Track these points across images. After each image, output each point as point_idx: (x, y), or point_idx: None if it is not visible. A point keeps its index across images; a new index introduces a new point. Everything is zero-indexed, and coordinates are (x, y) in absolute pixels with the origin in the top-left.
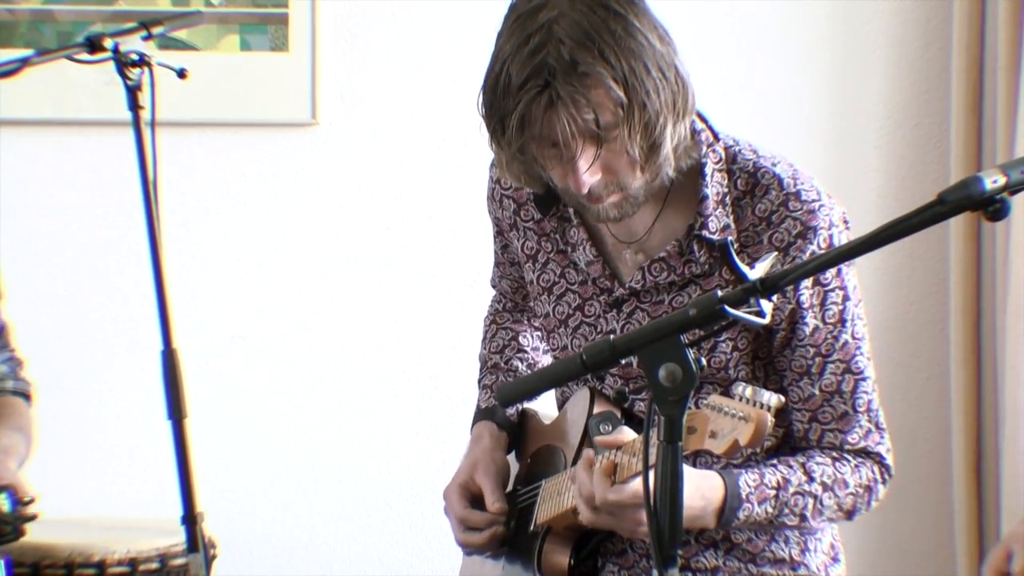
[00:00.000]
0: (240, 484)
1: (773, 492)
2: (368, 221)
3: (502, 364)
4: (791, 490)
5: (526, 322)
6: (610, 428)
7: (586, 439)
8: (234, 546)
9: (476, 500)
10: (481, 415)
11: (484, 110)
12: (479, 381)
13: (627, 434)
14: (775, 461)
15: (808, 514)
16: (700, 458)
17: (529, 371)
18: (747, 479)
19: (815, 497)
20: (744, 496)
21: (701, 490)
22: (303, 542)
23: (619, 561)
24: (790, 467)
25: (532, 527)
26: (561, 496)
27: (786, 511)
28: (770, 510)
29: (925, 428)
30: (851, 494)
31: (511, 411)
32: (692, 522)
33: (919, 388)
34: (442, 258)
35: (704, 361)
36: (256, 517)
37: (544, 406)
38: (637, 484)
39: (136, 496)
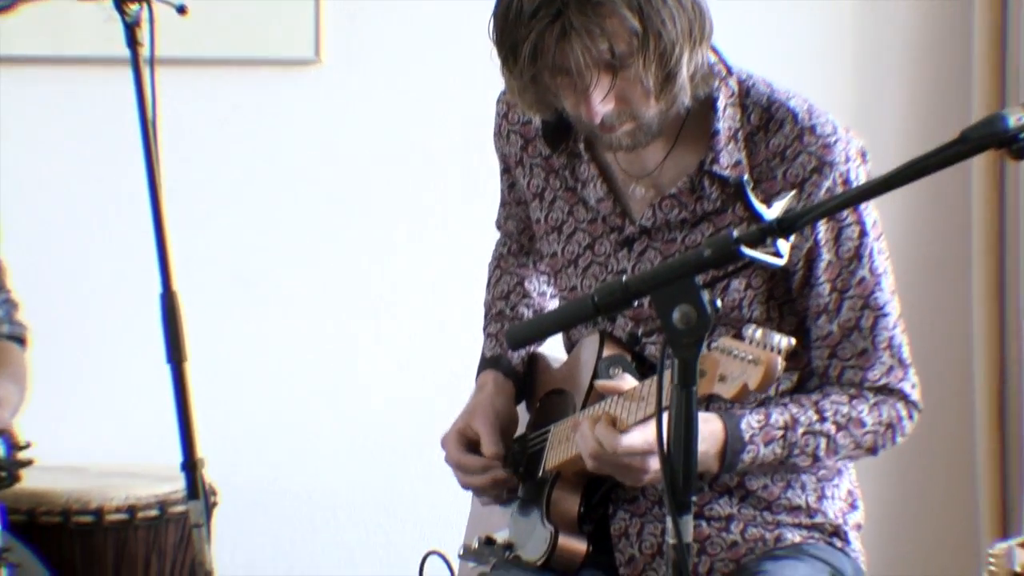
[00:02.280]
0: (241, 430)
1: (780, 432)
2: (371, 161)
3: (507, 311)
4: (800, 430)
5: (531, 266)
6: (620, 371)
7: (594, 383)
8: (235, 493)
9: (474, 446)
10: (486, 364)
11: (495, 37)
12: (484, 328)
13: (629, 381)
14: (786, 400)
15: (821, 454)
16: (713, 403)
17: None
18: (750, 420)
19: (828, 436)
20: (747, 438)
21: (701, 434)
22: (307, 488)
23: (630, 508)
24: (801, 406)
25: (541, 473)
26: (570, 441)
27: (796, 452)
28: (779, 451)
29: (947, 368)
30: (870, 432)
31: (517, 359)
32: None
33: (941, 328)
34: (446, 199)
35: (719, 303)
36: (258, 463)
37: (554, 349)
38: (646, 431)
39: (135, 442)
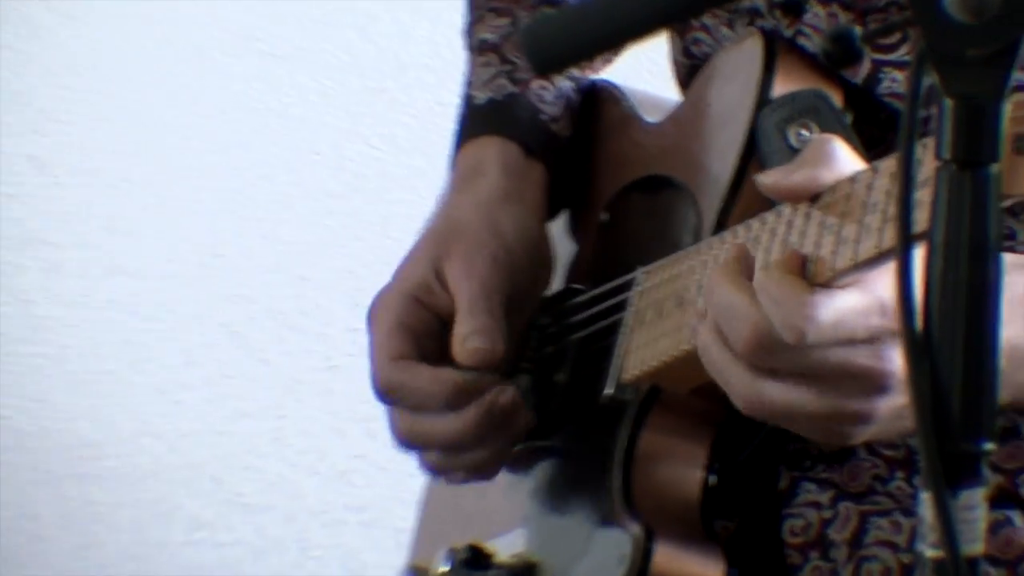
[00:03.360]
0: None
1: None
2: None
3: None
4: None
5: None
6: (813, 135)
7: (751, 162)
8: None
9: (441, 325)
10: (476, 120)
11: None
12: (466, 33)
13: (835, 162)
14: None
15: None
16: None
17: None
18: None
19: None
20: None
21: (1013, 303)
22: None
23: (832, 475)
24: None
25: (613, 390)
26: (684, 308)
27: None
28: None
29: None
30: None
31: (557, 106)
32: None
33: None
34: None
35: None
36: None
37: (643, 80)
38: (876, 289)
39: None
